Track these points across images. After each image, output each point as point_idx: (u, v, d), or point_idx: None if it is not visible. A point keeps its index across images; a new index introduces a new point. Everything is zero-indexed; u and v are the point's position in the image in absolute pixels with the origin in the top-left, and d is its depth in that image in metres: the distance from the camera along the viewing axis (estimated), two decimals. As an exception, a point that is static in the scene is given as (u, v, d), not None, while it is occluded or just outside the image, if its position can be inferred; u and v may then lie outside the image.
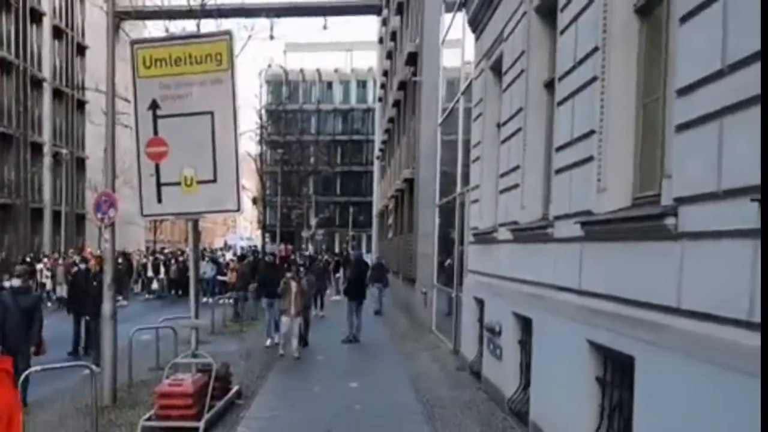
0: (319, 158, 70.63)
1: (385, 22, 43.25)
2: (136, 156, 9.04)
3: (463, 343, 13.02)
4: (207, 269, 25.92)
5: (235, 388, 10.04)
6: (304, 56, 78.71)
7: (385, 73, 40.00)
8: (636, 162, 5.73)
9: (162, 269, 29.41)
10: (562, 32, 7.21)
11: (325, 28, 53.73)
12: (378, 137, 49.87)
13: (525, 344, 8.65)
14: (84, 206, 47.02)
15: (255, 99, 46.84)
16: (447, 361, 13.38)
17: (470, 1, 12.15)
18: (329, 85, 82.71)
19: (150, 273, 29.64)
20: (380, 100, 47.73)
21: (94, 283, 12.92)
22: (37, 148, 43.78)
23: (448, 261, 15.75)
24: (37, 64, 44.36)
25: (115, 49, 10.81)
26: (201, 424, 8.22)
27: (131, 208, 9.61)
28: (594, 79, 6.08)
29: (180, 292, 27.40)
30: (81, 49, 50.52)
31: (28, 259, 26.38)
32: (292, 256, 28.14)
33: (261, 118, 42.94)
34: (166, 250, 38.02)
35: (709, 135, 4.12)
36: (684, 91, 4.45)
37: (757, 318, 3.60)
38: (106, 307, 10.13)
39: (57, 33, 47.32)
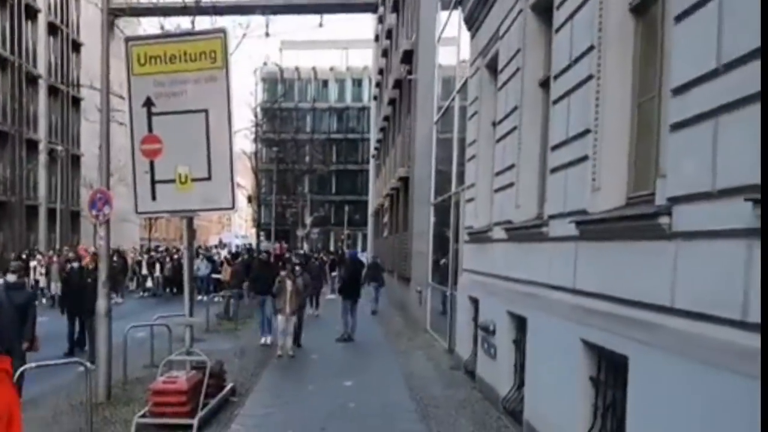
0: (314, 156, 70.58)
1: (381, 20, 43.19)
2: (130, 153, 9.02)
3: (457, 342, 13.02)
4: (202, 267, 25.87)
5: (229, 386, 10.04)
6: (300, 54, 78.63)
7: (381, 71, 39.98)
8: (631, 161, 5.74)
9: (157, 267, 29.36)
10: (557, 30, 7.21)
11: (321, 25, 53.67)
12: (373, 136, 49.83)
13: (519, 343, 8.65)
14: (79, 203, 46.85)
15: (250, 97, 46.85)
16: (441, 360, 13.39)
17: None
18: (325, 83, 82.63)
19: (144, 271, 29.57)
20: (376, 98, 47.71)
21: (89, 280, 12.89)
22: (32, 145, 43.65)
23: (443, 260, 15.75)
24: (32, 61, 44.20)
25: (110, 46, 10.77)
26: (195, 422, 8.22)
27: (126, 206, 9.58)
28: (589, 77, 6.09)
29: (175, 290, 27.33)
30: (76, 46, 50.35)
31: (23, 256, 26.31)
32: (287, 255, 28.06)
33: (256, 116, 42.84)
34: (160, 248, 37.94)
35: (704, 134, 4.12)
36: (679, 90, 4.46)
37: (751, 318, 3.60)
38: (101, 305, 10.12)
39: (52, 29, 47.14)
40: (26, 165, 42.28)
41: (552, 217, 7.15)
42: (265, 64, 69.10)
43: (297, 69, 78.62)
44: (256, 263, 18.24)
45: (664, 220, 4.57)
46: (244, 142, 44.07)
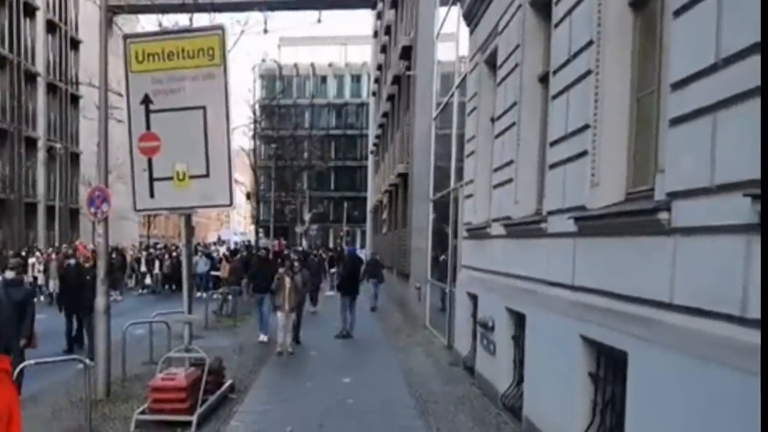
0: (312, 153, 70.48)
1: (379, 16, 43.14)
2: (129, 151, 9.01)
3: (456, 338, 13.03)
4: (200, 264, 25.85)
5: (228, 383, 10.03)
6: (299, 50, 78.52)
7: (380, 68, 39.95)
8: (630, 156, 5.73)
9: (156, 264, 29.35)
10: (556, 26, 7.19)
11: (319, 21, 53.80)
12: (372, 132, 49.81)
13: (518, 339, 8.65)
14: (78, 201, 46.89)
15: (249, 93, 46.72)
16: (440, 356, 13.39)
17: (465, -5, 12.13)
18: (323, 79, 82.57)
19: (143, 268, 29.56)
20: (374, 94, 47.69)
21: (88, 278, 12.88)
22: (31, 143, 43.65)
23: (442, 256, 15.75)
24: (30, 59, 44.18)
25: (109, 43, 10.75)
26: (194, 418, 8.22)
27: (125, 203, 9.58)
28: (588, 72, 6.08)
29: (173, 287, 27.33)
30: (75, 44, 50.34)
31: (22, 253, 26.30)
32: (286, 251, 28.05)
33: (254, 113, 42.79)
34: (159, 245, 37.94)
35: (703, 129, 4.11)
36: (678, 85, 4.45)
37: (750, 314, 3.60)
38: (100, 302, 10.11)
39: (51, 27, 47.12)
40: (25, 163, 42.29)
41: (551, 213, 7.14)
42: (263, 60, 68.96)
43: (295, 65, 78.52)
44: (255, 260, 18.19)
45: (663, 215, 4.56)
46: (243, 139, 43.99)
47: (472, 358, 11.12)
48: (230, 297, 19.65)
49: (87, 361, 8.64)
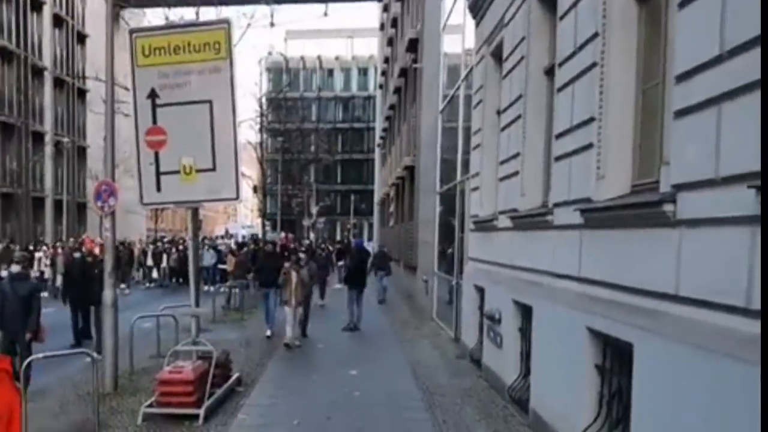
0: (319, 146, 70.51)
1: (386, 9, 43.07)
2: (135, 145, 9.03)
3: (463, 330, 13.04)
4: (207, 257, 25.90)
5: (235, 376, 10.07)
6: (305, 43, 78.47)
7: (386, 60, 39.89)
8: (635, 149, 5.72)
9: (164, 258, 29.43)
10: (562, 18, 7.18)
11: (325, 14, 53.40)
12: (379, 125, 49.82)
13: (525, 332, 8.66)
14: (85, 195, 47.06)
15: (255, 87, 46.85)
16: (447, 348, 13.40)
17: (470, -13, 12.09)
18: (330, 72, 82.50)
19: (150, 261, 29.63)
20: (381, 87, 47.62)
21: (96, 271, 12.94)
22: (38, 137, 43.78)
23: (449, 249, 15.74)
24: (37, 53, 44.26)
25: (115, 37, 10.77)
26: (201, 411, 8.26)
27: (132, 197, 9.61)
28: (593, 65, 6.06)
29: (181, 281, 27.42)
30: (81, 38, 50.38)
31: (30, 248, 26.42)
32: (292, 245, 28.08)
33: (261, 106, 42.85)
34: (166, 239, 38.05)
35: (708, 121, 4.10)
36: (683, 77, 4.43)
37: (754, 305, 3.60)
38: (108, 295, 10.15)
39: (57, 21, 47.18)
40: (32, 157, 42.44)
41: (557, 205, 7.14)
42: (269, 53, 69.07)
43: (302, 58, 78.49)
44: (262, 254, 18.20)
45: (668, 207, 4.56)
46: (250, 133, 44.15)
47: (479, 350, 11.14)
48: (237, 290, 19.70)
49: (94, 354, 8.69)
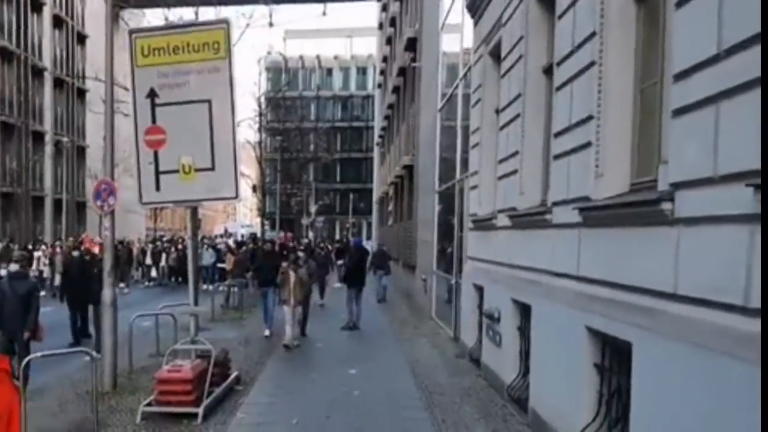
0: (318, 145, 70.50)
1: (384, 8, 43.09)
2: (134, 144, 9.04)
3: (462, 329, 13.05)
4: (206, 256, 25.89)
5: (234, 375, 10.08)
6: (304, 43, 78.48)
7: (385, 59, 39.93)
8: (634, 147, 5.72)
9: (163, 257, 29.44)
10: (560, 17, 7.18)
11: (324, 14, 53.52)
12: (378, 124, 49.82)
13: (524, 331, 8.66)
14: (84, 194, 47.09)
15: (254, 86, 46.83)
16: (446, 347, 13.41)
17: (469, -14, 12.10)
18: (329, 71, 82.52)
19: (149, 260, 29.64)
20: (380, 86, 47.65)
21: (96, 270, 12.95)
22: (38, 137, 43.80)
23: (449, 248, 15.75)
24: (37, 54, 44.30)
25: (115, 37, 10.78)
26: (200, 410, 8.26)
27: (131, 196, 9.61)
28: (592, 64, 6.07)
29: (180, 279, 27.43)
30: (81, 38, 50.42)
31: (29, 247, 26.41)
32: (291, 244, 28.08)
33: (260, 106, 42.85)
34: (165, 238, 38.06)
35: (705, 120, 4.11)
36: (680, 76, 4.44)
37: (753, 303, 3.60)
38: (107, 294, 10.16)
39: (57, 22, 47.21)
40: (32, 156, 42.45)
41: (555, 204, 7.15)
42: (268, 53, 69.06)
43: (301, 58, 78.50)
44: (260, 253, 18.19)
45: (666, 206, 4.56)
46: (249, 132, 44.13)
47: (478, 349, 11.14)
48: (235, 289, 19.70)
49: (93, 353, 8.69)
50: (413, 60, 23.85)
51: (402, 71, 27.91)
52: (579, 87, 6.47)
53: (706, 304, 4.08)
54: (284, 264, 14.18)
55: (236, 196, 9.18)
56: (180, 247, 29.29)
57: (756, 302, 3.55)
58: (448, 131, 16.44)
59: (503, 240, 9.60)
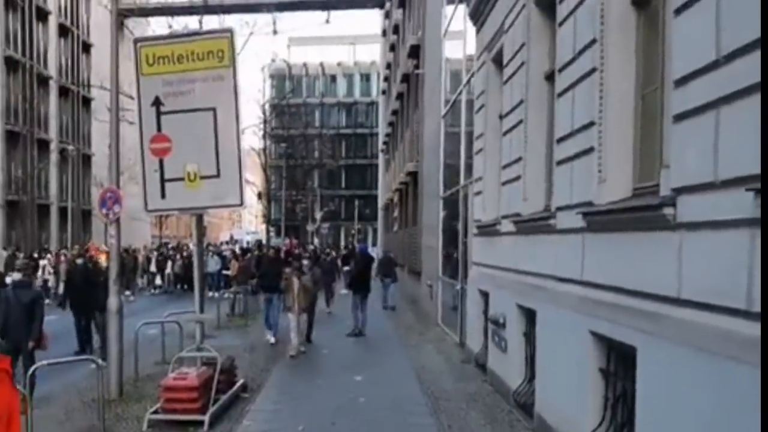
0: (323, 152, 70.61)
1: (387, 15, 43.20)
2: (140, 152, 9.09)
3: (468, 335, 13.04)
4: (211, 264, 25.90)
5: (240, 382, 10.09)
6: (308, 50, 78.59)
7: (389, 66, 40.00)
8: (636, 152, 5.74)
9: (168, 264, 29.49)
10: (561, 24, 7.21)
11: (327, 21, 53.67)
12: (382, 130, 49.86)
13: (530, 336, 8.67)
14: (90, 202, 47.14)
15: (258, 94, 46.96)
16: (452, 353, 13.41)
17: (471, -6, 12.14)
18: (333, 78, 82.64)
19: (153, 268, 29.68)
20: (384, 92, 47.73)
21: (102, 279, 12.98)
22: (43, 145, 43.93)
23: (454, 253, 15.75)
24: (43, 62, 44.48)
25: (120, 46, 10.84)
26: (206, 417, 8.28)
27: (137, 204, 9.66)
28: (593, 70, 6.09)
29: (185, 287, 27.48)
30: (86, 47, 50.61)
31: (34, 255, 26.49)
32: (297, 250, 28.10)
33: (264, 113, 42.96)
34: (170, 245, 38.12)
35: (706, 125, 4.13)
36: (681, 82, 4.47)
37: (755, 307, 3.61)
38: (113, 302, 10.20)
39: (63, 31, 47.43)
40: (38, 164, 42.57)
41: (559, 209, 7.16)
42: (273, 60, 69.17)
43: (305, 65, 78.61)
44: (265, 259, 18.21)
45: (668, 210, 4.58)
46: (253, 139, 44.22)
47: (484, 355, 11.15)
48: (240, 296, 19.72)
49: (99, 361, 8.72)
50: (416, 67, 23.91)
51: (405, 78, 27.98)
52: (581, 93, 6.50)
53: (710, 308, 4.09)
54: (287, 270, 14.18)
55: (241, 203, 9.22)
56: (185, 254, 29.34)
57: (758, 306, 3.56)
58: (452, 137, 16.47)
59: (508, 245, 9.61)
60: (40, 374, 8.34)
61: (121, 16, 28.12)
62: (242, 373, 10.69)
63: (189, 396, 8.47)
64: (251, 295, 19.67)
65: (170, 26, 28.01)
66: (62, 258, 25.30)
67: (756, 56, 3.55)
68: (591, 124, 6.13)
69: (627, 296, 5.32)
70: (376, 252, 34.17)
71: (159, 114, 8.98)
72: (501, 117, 10.14)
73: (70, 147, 43.52)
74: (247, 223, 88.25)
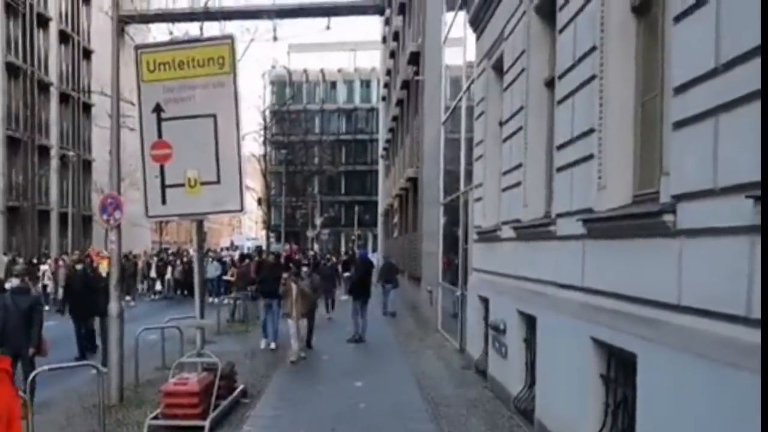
0: (323, 158, 70.66)
1: (387, 22, 43.27)
2: (141, 158, 9.11)
3: (468, 341, 13.04)
4: (211, 269, 25.89)
5: (240, 387, 10.10)
6: (308, 57, 78.72)
7: (389, 73, 40.05)
8: (636, 160, 5.76)
9: (168, 270, 29.48)
10: (561, 31, 7.24)
11: (328, 28, 53.67)
12: (382, 136, 49.90)
13: (530, 342, 8.67)
14: (90, 208, 47.17)
15: (259, 100, 47.01)
16: (452, 359, 13.41)
17: (471, 1, 12.19)
18: (333, 84, 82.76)
19: (153, 274, 29.67)
20: (384, 99, 47.78)
21: (102, 285, 12.98)
22: (44, 151, 43.95)
23: (455, 259, 15.75)
24: (44, 69, 44.56)
25: (120, 52, 10.88)
26: (207, 423, 8.28)
27: (137, 210, 9.68)
28: (593, 77, 6.12)
29: (185, 293, 27.48)
30: (87, 53, 50.72)
31: (34, 261, 26.47)
32: (297, 256, 28.11)
33: (265, 119, 42.98)
34: (170, 251, 38.11)
35: (705, 132, 4.15)
36: (680, 89, 4.49)
37: (755, 314, 3.62)
38: (113, 307, 10.21)
39: (63, 38, 47.52)
40: (38, 170, 42.59)
41: (559, 215, 7.18)
42: (273, 67, 69.33)
43: (305, 71, 78.72)
44: (265, 265, 18.19)
45: (668, 217, 4.60)
46: (253, 145, 44.24)
47: (484, 361, 11.15)
48: (239, 302, 19.72)
49: (100, 366, 8.73)
50: (416, 73, 23.95)
51: (405, 84, 28.02)
52: (581, 100, 6.52)
53: (710, 315, 4.10)
54: (285, 275, 14.19)
55: (241, 209, 9.26)
56: (185, 260, 29.32)
57: (758, 313, 3.57)
58: (452, 143, 16.50)
59: (508, 252, 9.62)
60: (40, 379, 8.34)
61: (122, 23, 28.15)
62: (242, 378, 10.70)
63: (189, 401, 8.48)
64: (251, 300, 19.67)
65: (171, 33, 28.07)
66: (61, 263, 25.28)
67: (756, 64, 3.57)
68: (591, 131, 6.15)
69: (627, 303, 5.33)
70: (375, 258, 34.12)
71: (160, 120, 9.01)
72: (501, 124, 10.17)
73: (71, 153, 43.56)
74: (247, 229, 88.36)
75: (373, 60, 71.75)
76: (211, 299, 22.49)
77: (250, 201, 40.86)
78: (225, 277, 25.77)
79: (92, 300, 13.17)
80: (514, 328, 9.19)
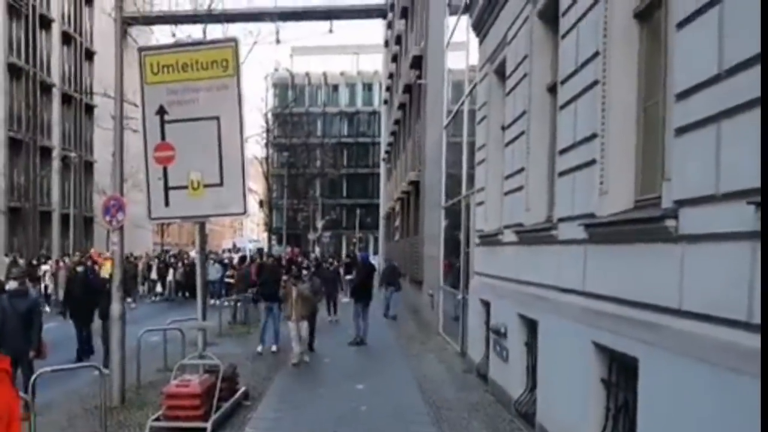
0: (325, 161, 70.69)
1: (390, 26, 43.33)
2: (144, 160, 9.14)
3: (469, 345, 13.05)
4: (212, 271, 25.89)
5: (242, 389, 10.11)
6: (311, 60, 78.81)
7: (391, 76, 40.13)
8: (638, 165, 5.78)
9: (170, 272, 29.48)
10: (563, 37, 7.27)
11: (330, 31, 53.81)
12: (384, 139, 49.95)
13: (531, 346, 8.68)
14: (92, 209, 47.28)
15: (261, 102, 47.08)
16: (454, 363, 13.42)
17: (474, 5, 12.22)
18: (335, 88, 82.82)
19: (154, 275, 29.67)
20: (386, 102, 47.83)
21: (106, 286, 12.96)
22: (46, 152, 44.03)
23: (456, 263, 15.76)
24: (46, 70, 44.66)
25: (123, 54, 10.91)
26: (208, 425, 8.29)
27: (139, 212, 9.70)
28: (595, 83, 6.14)
29: (187, 294, 27.49)
30: (89, 55, 50.84)
31: (34, 262, 26.48)
32: (299, 259, 28.11)
33: (267, 122, 43.07)
34: (171, 252, 38.13)
35: (707, 138, 4.17)
36: (682, 95, 4.51)
37: (756, 319, 3.64)
38: (115, 309, 10.23)
39: (66, 39, 47.64)
40: (40, 172, 42.66)
41: (561, 220, 7.20)
42: (275, 70, 69.28)
43: (307, 74, 78.81)
44: (266, 267, 18.18)
45: (670, 222, 4.61)
46: (256, 148, 44.35)
47: (486, 364, 11.15)
48: (239, 304, 19.73)
49: (102, 368, 8.74)
50: (419, 77, 23.99)
51: (408, 88, 28.05)
52: (583, 105, 6.54)
53: (711, 319, 4.12)
54: (284, 278, 14.20)
55: (244, 212, 9.27)
56: (186, 262, 29.32)
57: (759, 318, 3.59)
58: (454, 147, 16.52)
59: (510, 255, 9.64)
60: (41, 381, 8.32)
61: (125, 25, 28.24)
62: (244, 380, 10.71)
63: (191, 403, 8.49)
64: (251, 303, 19.67)
65: (174, 35, 28.11)
66: (61, 264, 25.28)
67: (757, 71, 3.60)
68: (593, 136, 6.17)
69: (629, 307, 5.34)
70: (377, 261, 34.13)
71: (163, 123, 9.03)
72: (503, 128, 10.19)
73: (73, 154, 43.63)
74: (248, 231, 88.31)
75: (375, 63, 71.79)
76: (212, 301, 22.51)
77: (252, 203, 40.90)
78: (227, 279, 25.80)
79: (93, 303, 13.17)
80: (515, 331, 9.21)
